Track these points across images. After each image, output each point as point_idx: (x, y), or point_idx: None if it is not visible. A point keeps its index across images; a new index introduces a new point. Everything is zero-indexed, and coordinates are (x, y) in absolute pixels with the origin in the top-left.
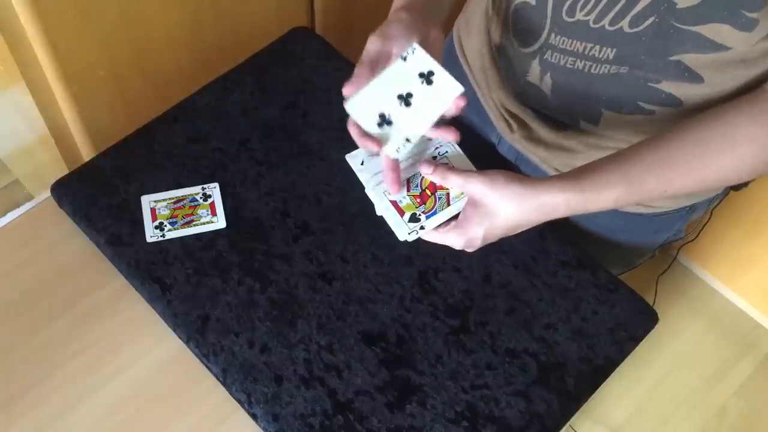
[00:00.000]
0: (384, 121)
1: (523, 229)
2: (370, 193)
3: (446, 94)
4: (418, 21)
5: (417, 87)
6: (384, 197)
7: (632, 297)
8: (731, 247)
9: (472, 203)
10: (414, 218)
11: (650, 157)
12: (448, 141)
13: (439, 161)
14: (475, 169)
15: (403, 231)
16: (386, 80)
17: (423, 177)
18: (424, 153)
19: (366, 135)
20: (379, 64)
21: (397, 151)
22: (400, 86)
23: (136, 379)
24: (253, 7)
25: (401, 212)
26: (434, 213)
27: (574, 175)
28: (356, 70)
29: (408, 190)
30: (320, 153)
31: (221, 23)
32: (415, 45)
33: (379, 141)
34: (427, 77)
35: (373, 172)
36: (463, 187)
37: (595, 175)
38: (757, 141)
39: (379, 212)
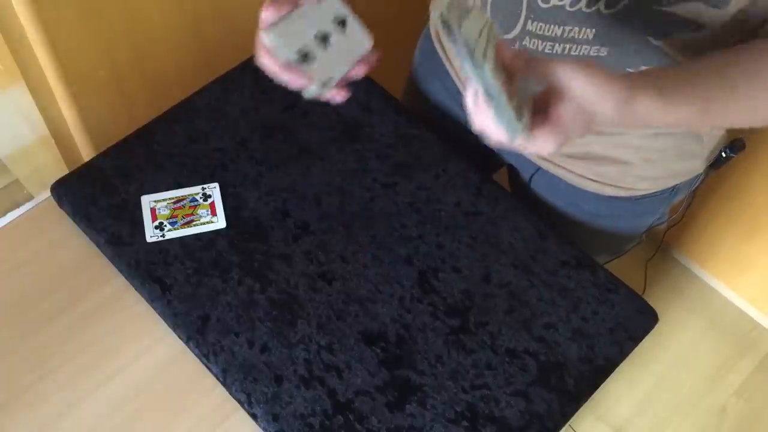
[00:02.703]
0: (305, 58)
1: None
2: (475, 74)
3: (358, 45)
4: None
5: (333, 30)
6: (495, 78)
7: (632, 297)
8: (730, 246)
9: (563, 97)
10: (519, 112)
11: (729, 77)
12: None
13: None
14: None
15: (517, 126)
16: (305, 17)
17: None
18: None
19: (289, 68)
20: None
21: (316, 91)
22: (318, 25)
23: (136, 379)
24: (253, 7)
25: (510, 105)
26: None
27: (660, 85)
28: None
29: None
30: (320, 153)
31: (221, 23)
32: None
33: (302, 75)
34: (341, 23)
35: (471, 37)
36: (558, 74)
37: (679, 87)
38: None
39: (487, 96)
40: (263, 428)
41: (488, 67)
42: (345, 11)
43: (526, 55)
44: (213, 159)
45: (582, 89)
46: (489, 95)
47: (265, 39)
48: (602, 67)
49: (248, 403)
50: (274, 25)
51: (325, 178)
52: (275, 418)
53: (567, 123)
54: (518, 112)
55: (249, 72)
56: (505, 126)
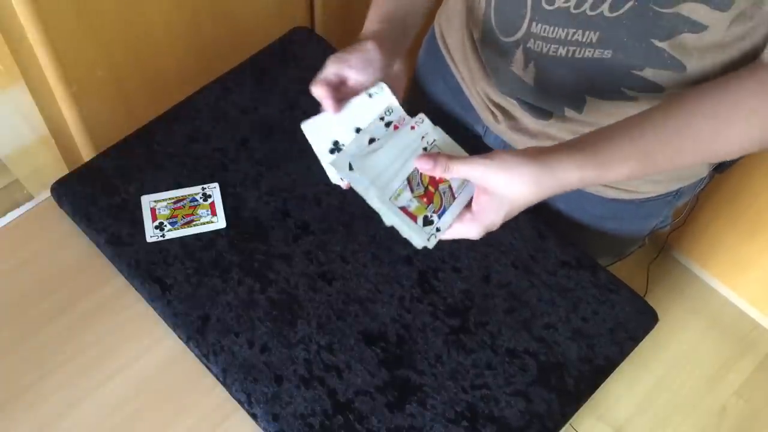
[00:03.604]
0: (336, 147)
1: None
2: (374, 203)
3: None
4: (381, 54)
5: (375, 123)
6: (392, 205)
7: (632, 297)
8: (731, 246)
9: (485, 191)
10: (427, 221)
11: (663, 130)
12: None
13: (429, 152)
14: (465, 153)
15: (420, 238)
16: (348, 111)
17: (422, 173)
18: (412, 147)
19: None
20: (336, 87)
21: (341, 179)
22: (360, 120)
23: (136, 379)
24: (253, 7)
25: (413, 217)
26: (444, 210)
27: (590, 149)
28: (316, 91)
29: (412, 191)
30: None
31: (221, 23)
32: (383, 85)
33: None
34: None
35: (370, 178)
36: (470, 175)
37: (609, 148)
38: (760, 113)
39: (388, 223)
40: (263, 428)
41: (383, 199)
42: (392, 103)
43: (444, 163)
44: (213, 159)
45: (497, 182)
46: (388, 218)
47: (303, 128)
48: (513, 153)
49: (248, 403)
50: (314, 117)
51: (325, 178)
52: (275, 418)
53: (489, 214)
54: (426, 222)
55: (249, 72)
56: (410, 237)
